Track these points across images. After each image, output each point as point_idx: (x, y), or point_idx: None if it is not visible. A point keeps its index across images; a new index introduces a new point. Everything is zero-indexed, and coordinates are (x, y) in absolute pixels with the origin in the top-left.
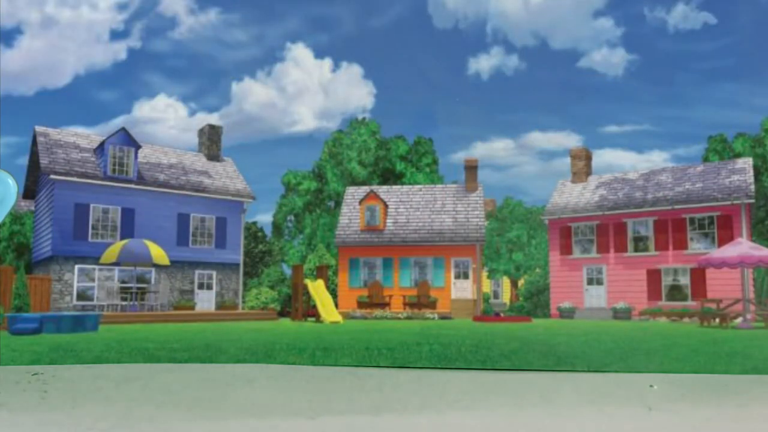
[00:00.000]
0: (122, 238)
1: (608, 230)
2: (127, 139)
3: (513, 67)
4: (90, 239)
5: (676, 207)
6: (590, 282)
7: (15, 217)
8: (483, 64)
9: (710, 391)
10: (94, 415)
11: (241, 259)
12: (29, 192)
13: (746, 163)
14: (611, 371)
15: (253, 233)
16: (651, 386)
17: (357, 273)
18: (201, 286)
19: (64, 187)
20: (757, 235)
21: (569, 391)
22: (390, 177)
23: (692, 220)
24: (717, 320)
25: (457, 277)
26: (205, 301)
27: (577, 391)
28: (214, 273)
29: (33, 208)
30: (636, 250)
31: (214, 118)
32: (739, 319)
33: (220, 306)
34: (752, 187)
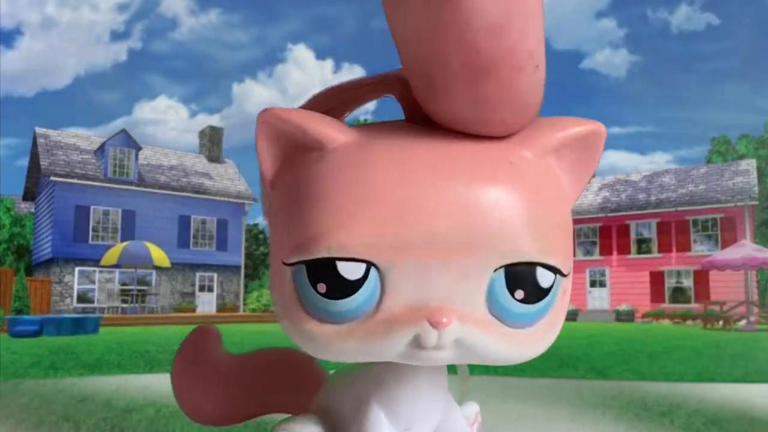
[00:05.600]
0: (123, 240)
1: (611, 232)
2: (128, 141)
3: None
4: (90, 241)
5: (680, 209)
6: (593, 284)
7: (15, 219)
8: None
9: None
10: None
11: (242, 261)
12: (29, 194)
13: (750, 164)
14: (613, 374)
15: (255, 235)
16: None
17: None
18: (202, 289)
19: (65, 189)
20: (761, 237)
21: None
22: None
23: (695, 222)
24: (720, 322)
25: None
26: (206, 304)
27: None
28: (215, 275)
29: (33, 210)
30: (639, 252)
31: (215, 120)
32: (743, 322)
33: (221, 308)
34: (756, 188)
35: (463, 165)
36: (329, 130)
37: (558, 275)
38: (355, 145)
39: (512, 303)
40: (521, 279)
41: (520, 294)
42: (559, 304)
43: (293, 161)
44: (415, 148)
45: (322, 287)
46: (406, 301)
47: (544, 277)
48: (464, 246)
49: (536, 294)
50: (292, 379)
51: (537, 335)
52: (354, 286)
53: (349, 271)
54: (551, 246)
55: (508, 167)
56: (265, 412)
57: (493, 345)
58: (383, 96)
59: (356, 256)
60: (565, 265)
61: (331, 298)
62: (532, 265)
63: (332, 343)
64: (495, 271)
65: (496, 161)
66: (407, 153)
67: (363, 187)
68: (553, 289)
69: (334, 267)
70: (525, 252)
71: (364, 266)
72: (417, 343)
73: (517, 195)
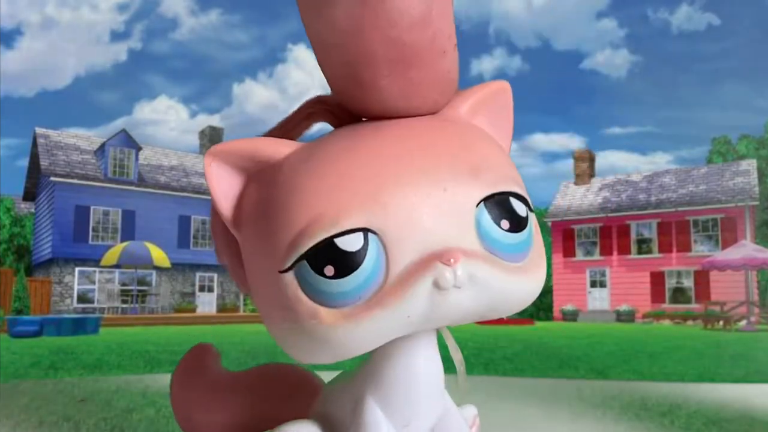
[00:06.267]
0: (123, 240)
1: (611, 232)
2: (128, 141)
3: (516, 69)
4: (90, 241)
5: (680, 209)
6: (593, 284)
7: (15, 219)
8: (486, 65)
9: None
10: None
11: None
12: (29, 194)
13: (750, 164)
14: (614, 374)
15: None
16: None
17: None
18: (202, 289)
19: (65, 189)
20: (761, 237)
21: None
22: None
23: (696, 223)
24: (721, 323)
25: None
26: (206, 304)
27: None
28: (216, 275)
29: (33, 210)
30: (639, 252)
31: (215, 120)
32: (743, 322)
33: (221, 309)
34: (756, 189)
35: (412, 127)
36: (276, 144)
37: (527, 207)
38: (306, 147)
39: (501, 234)
40: (500, 209)
41: (505, 224)
42: (536, 237)
43: (252, 182)
44: (359, 130)
45: (329, 270)
46: (411, 256)
47: (517, 206)
48: (440, 187)
49: (518, 221)
50: (291, 391)
51: (531, 268)
52: (359, 257)
53: (349, 243)
54: (511, 179)
55: (447, 122)
56: (264, 426)
57: (502, 279)
58: (311, 123)
59: (350, 227)
60: (528, 198)
61: (342, 276)
62: (504, 195)
63: (355, 329)
64: (477, 206)
65: (435, 119)
66: (353, 134)
67: (330, 169)
68: (529, 219)
69: (334, 246)
70: (494, 182)
71: (361, 234)
72: (437, 285)
73: (470, 135)
